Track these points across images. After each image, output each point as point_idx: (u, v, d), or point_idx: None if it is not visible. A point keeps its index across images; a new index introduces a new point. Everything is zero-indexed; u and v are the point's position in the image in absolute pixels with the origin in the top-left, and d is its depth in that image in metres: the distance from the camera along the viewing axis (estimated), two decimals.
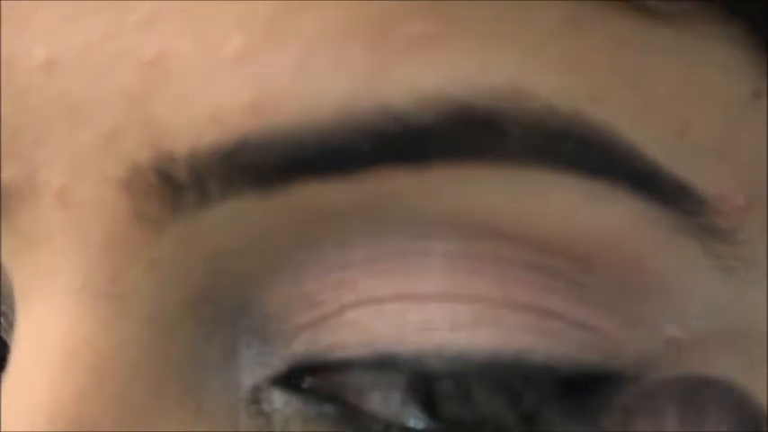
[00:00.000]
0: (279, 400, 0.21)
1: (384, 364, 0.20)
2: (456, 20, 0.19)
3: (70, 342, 0.20)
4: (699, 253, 0.21)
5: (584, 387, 0.21)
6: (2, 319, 0.22)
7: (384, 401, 0.21)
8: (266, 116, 0.19)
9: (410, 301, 0.20)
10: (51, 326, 0.20)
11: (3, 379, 0.21)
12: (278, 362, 0.21)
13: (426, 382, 0.20)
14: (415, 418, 0.21)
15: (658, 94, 0.20)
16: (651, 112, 0.20)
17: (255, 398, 0.21)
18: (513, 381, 0.20)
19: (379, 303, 0.20)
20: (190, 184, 0.19)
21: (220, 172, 0.19)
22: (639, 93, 0.20)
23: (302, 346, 0.21)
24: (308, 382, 0.21)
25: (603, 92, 0.20)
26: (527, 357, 0.20)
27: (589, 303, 0.21)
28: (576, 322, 0.21)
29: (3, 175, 0.20)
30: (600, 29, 0.20)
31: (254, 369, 0.21)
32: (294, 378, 0.21)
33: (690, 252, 0.21)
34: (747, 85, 0.21)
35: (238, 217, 0.20)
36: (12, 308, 0.22)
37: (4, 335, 0.22)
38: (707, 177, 0.21)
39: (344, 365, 0.20)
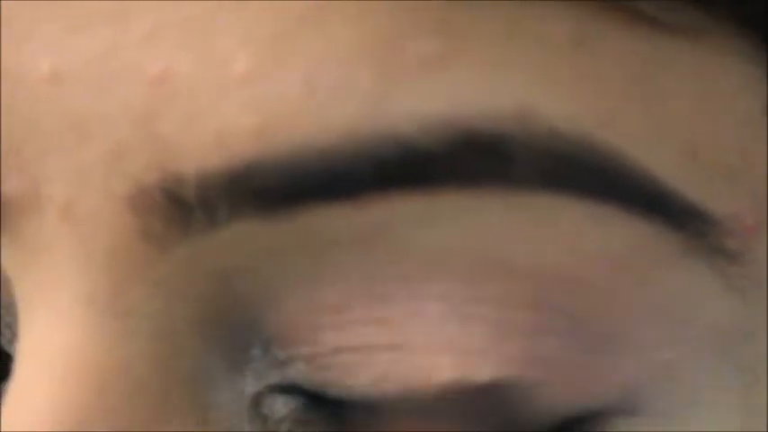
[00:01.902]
0: (278, 401, 0.21)
1: (374, 401, 0.20)
2: (464, 38, 0.19)
3: (74, 358, 0.20)
4: (706, 273, 0.21)
5: (572, 426, 0.21)
6: (6, 330, 0.22)
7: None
8: (272, 140, 0.19)
9: (399, 353, 0.20)
10: (55, 340, 0.20)
11: (6, 391, 0.21)
12: (278, 377, 0.21)
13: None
14: None
15: (670, 115, 0.20)
16: (663, 134, 0.20)
17: (257, 402, 0.21)
18: (501, 422, 0.20)
19: (370, 353, 0.20)
20: (198, 205, 0.19)
21: (228, 195, 0.19)
22: (651, 114, 0.20)
23: (299, 374, 0.21)
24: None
25: (613, 115, 0.20)
26: (517, 397, 0.20)
27: (586, 339, 0.20)
28: (570, 362, 0.20)
29: (5, 188, 0.20)
30: (610, 47, 0.20)
31: (256, 381, 0.21)
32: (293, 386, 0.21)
33: (697, 273, 0.21)
34: (757, 101, 0.21)
35: (244, 240, 0.20)
36: (16, 318, 0.22)
37: (7, 346, 0.23)
38: (718, 197, 0.21)
39: (338, 402, 0.20)
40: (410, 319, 0.20)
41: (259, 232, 0.20)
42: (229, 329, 0.21)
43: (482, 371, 0.20)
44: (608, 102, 0.20)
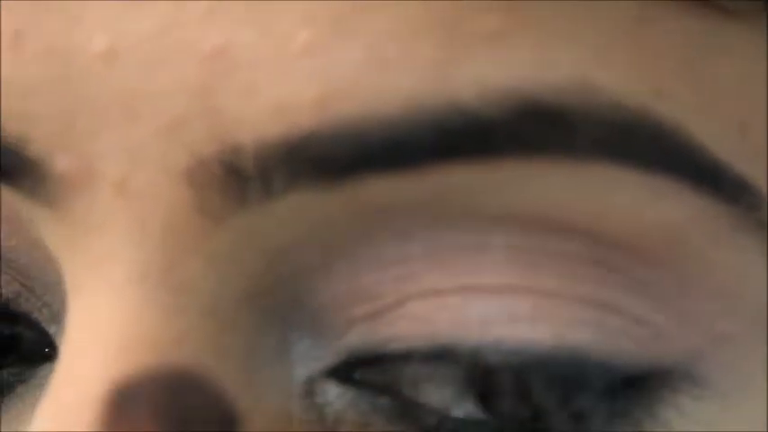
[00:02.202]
0: (332, 392, 0.21)
1: (442, 357, 0.20)
2: (525, 16, 0.19)
3: (127, 331, 0.20)
4: (756, 249, 0.21)
5: (633, 384, 0.21)
6: (45, 310, 0.22)
7: (440, 393, 0.21)
8: (333, 111, 0.19)
9: (471, 294, 0.20)
10: (108, 314, 0.20)
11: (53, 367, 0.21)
12: (331, 355, 0.21)
13: (483, 375, 0.20)
14: (468, 412, 0.20)
15: (722, 92, 0.20)
16: (715, 111, 0.20)
17: (309, 390, 0.21)
18: (569, 378, 0.20)
19: (440, 296, 0.20)
20: (255, 176, 0.19)
21: (286, 165, 0.19)
22: (704, 90, 0.20)
23: (358, 337, 0.21)
24: (361, 374, 0.21)
25: (670, 88, 0.20)
26: (585, 354, 0.20)
27: (647, 298, 0.21)
28: (634, 318, 0.21)
29: (58, 165, 0.20)
30: (667, 27, 0.20)
31: (307, 362, 0.21)
32: (348, 370, 0.21)
33: (749, 248, 0.21)
34: None
35: (300, 211, 0.20)
36: (56, 298, 0.22)
37: (45, 325, 0.22)
38: (762, 176, 0.21)
39: (401, 357, 0.20)
40: (477, 264, 0.20)
41: (316, 204, 0.20)
42: (279, 303, 0.21)
43: (548, 331, 0.20)
44: (664, 77, 0.20)
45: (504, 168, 0.20)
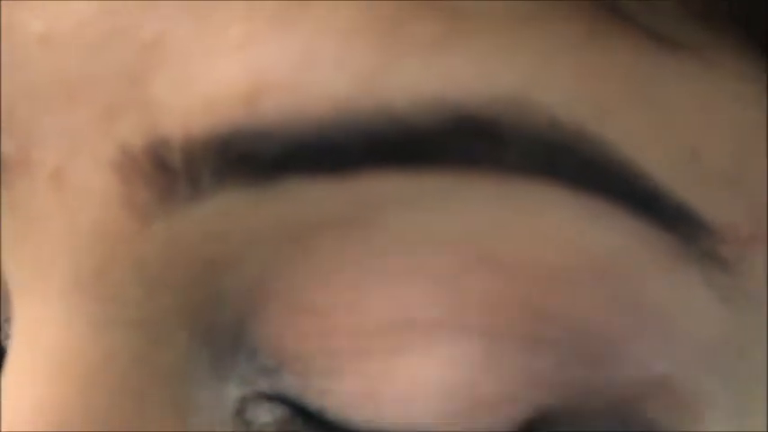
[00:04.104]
0: (263, 410, 0.20)
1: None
2: (466, 26, 0.19)
3: (58, 352, 0.20)
4: (699, 282, 0.20)
5: None
6: (5, 325, 0.22)
7: None
8: (262, 106, 0.19)
9: (396, 383, 0.20)
10: (42, 332, 0.20)
11: None
12: (266, 384, 0.20)
13: None
14: None
15: (670, 117, 0.20)
16: (661, 135, 0.20)
17: (241, 409, 0.20)
18: None
19: (366, 380, 0.20)
20: (182, 170, 0.19)
21: (214, 160, 0.19)
22: (650, 115, 0.20)
23: (290, 388, 0.20)
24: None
25: (612, 110, 0.19)
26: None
27: (582, 352, 0.20)
28: (567, 383, 0.20)
29: (3, 149, 0.20)
30: (614, 49, 0.19)
31: (242, 385, 0.20)
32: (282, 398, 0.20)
33: (689, 281, 0.20)
34: (757, 115, 0.21)
35: (228, 215, 0.19)
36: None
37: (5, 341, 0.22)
38: (713, 204, 0.20)
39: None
40: (398, 333, 0.20)
41: (243, 207, 0.19)
42: (215, 328, 0.20)
43: (466, 417, 0.20)
44: (607, 97, 0.19)
45: (432, 181, 0.19)
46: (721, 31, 0.20)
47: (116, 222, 0.19)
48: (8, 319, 0.22)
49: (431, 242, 0.20)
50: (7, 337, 0.22)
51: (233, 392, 0.20)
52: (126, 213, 0.19)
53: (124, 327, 0.20)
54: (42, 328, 0.20)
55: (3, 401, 0.20)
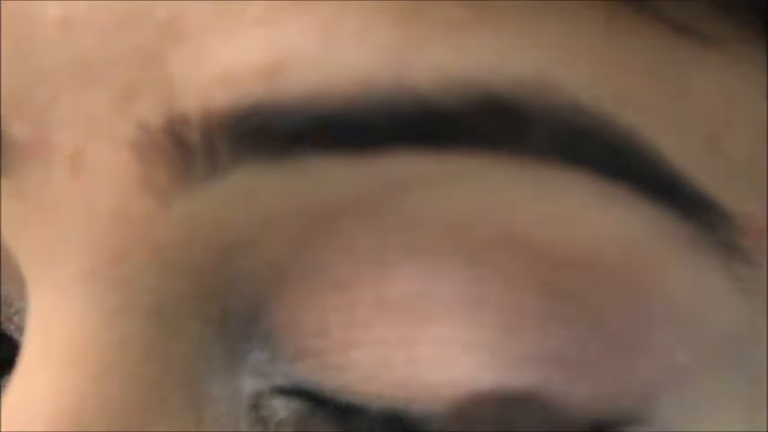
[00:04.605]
0: (278, 404, 0.20)
1: (392, 419, 0.20)
2: (491, 7, 0.19)
3: (74, 339, 0.20)
4: (718, 273, 0.20)
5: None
6: (16, 318, 0.22)
7: None
8: (282, 81, 0.18)
9: (416, 350, 0.20)
10: (57, 320, 0.20)
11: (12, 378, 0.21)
12: (281, 376, 0.20)
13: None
14: None
15: (692, 106, 0.20)
16: (683, 123, 0.20)
17: (255, 404, 0.20)
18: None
19: (386, 348, 0.20)
20: (201, 147, 0.19)
21: (232, 136, 0.19)
22: (672, 102, 0.20)
23: (307, 372, 0.20)
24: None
25: (634, 96, 0.19)
26: (538, 410, 0.20)
27: (601, 336, 0.20)
28: (586, 363, 0.20)
29: (16, 133, 0.20)
30: (639, 36, 0.19)
31: (257, 377, 0.20)
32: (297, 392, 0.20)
33: (709, 270, 0.20)
34: None
35: (247, 193, 0.19)
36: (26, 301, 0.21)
37: (17, 335, 0.22)
38: (733, 195, 0.20)
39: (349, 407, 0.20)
40: (423, 316, 0.20)
41: (262, 184, 0.19)
42: (228, 314, 0.20)
43: (491, 376, 0.19)
44: (631, 83, 0.19)
45: (454, 161, 0.19)
46: (743, 23, 0.20)
47: (134, 205, 0.19)
48: (18, 311, 0.22)
49: (451, 221, 0.19)
50: (16, 326, 0.22)
51: (247, 386, 0.20)
52: (144, 195, 0.19)
53: (138, 314, 0.20)
54: (57, 315, 0.20)
55: (19, 389, 0.20)
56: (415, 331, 0.20)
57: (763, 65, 0.20)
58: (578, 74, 0.19)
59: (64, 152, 0.20)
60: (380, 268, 0.20)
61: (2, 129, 0.20)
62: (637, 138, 0.19)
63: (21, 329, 0.22)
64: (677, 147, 0.20)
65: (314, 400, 0.20)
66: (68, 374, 0.20)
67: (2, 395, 0.21)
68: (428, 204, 0.19)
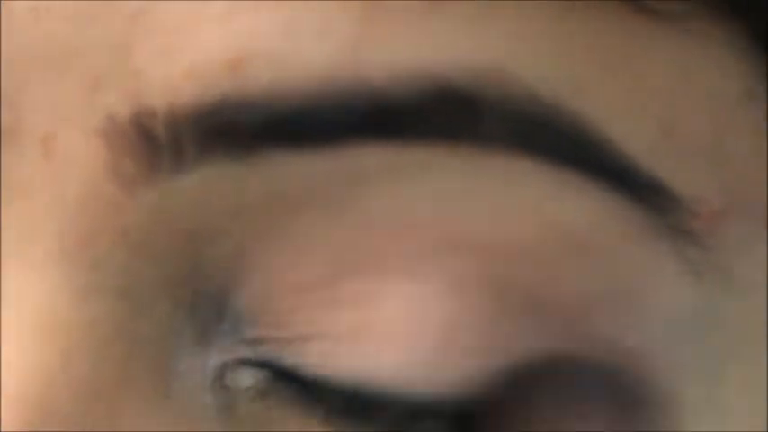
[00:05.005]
0: (245, 376, 0.21)
1: (352, 400, 0.20)
2: (448, 0, 0.19)
3: (44, 317, 0.20)
4: (670, 256, 0.21)
5: None
6: None
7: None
8: (245, 77, 0.19)
9: (373, 336, 0.20)
10: (29, 297, 0.20)
11: None
12: (248, 353, 0.21)
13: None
14: None
15: (647, 92, 0.20)
16: (638, 110, 0.20)
17: (221, 375, 0.21)
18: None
19: (345, 338, 0.20)
20: (167, 141, 0.19)
21: (197, 130, 0.19)
22: (628, 89, 0.20)
23: (270, 354, 0.21)
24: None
25: (590, 85, 0.20)
26: (493, 383, 0.20)
27: (550, 319, 0.20)
28: (539, 340, 0.20)
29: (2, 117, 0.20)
30: (594, 23, 0.20)
31: (223, 353, 0.21)
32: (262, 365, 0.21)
33: (661, 254, 0.21)
34: (739, 86, 0.21)
35: (212, 187, 0.20)
36: None
37: None
38: (686, 178, 0.21)
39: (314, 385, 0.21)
40: (377, 304, 0.20)
41: (226, 178, 0.20)
42: (199, 298, 0.21)
43: (442, 369, 0.20)
44: (585, 72, 0.20)
45: (412, 153, 0.19)
46: (703, 3, 0.20)
47: (102, 191, 0.20)
48: None
49: (410, 213, 0.20)
50: None
51: (214, 360, 0.21)
52: (112, 183, 0.20)
53: (107, 295, 0.20)
54: (28, 292, 0.20)
55: None
56: (369, 318, 0.20)
57: (723, 40, 0.21)
58: (534, 63, 0.19)
59: (36, 136, 0.20)
60: (336, 265, 0.20)
61: None
62: (591, 127, 0.20)
63: None
64: (631, 133, 0.20)
65: (277, 371, 0.21)
66: (38, 351, 0.20)
67: None
68: (387, 198, 0.20)
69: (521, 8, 0.19)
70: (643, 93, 0.20)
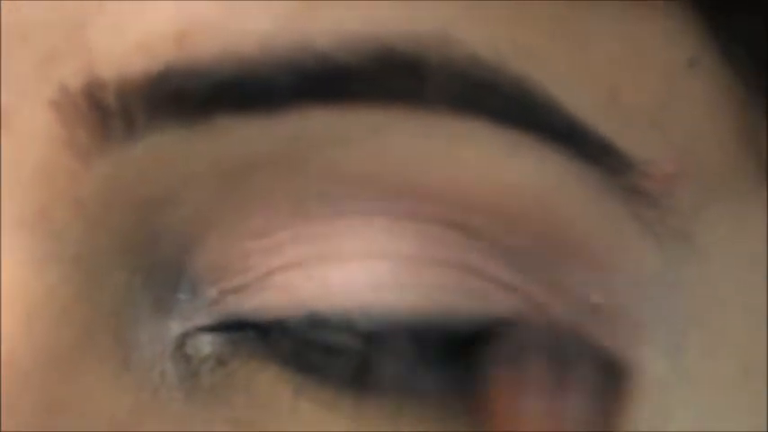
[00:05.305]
0: (203, 341, 0.21)
1: (314, 326, 0.21)
2: None
3: (4, 284, 0.21)
4: (626, 217, 0.21)
5: None
6: None
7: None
8: (190, 47, 0.20)
9: (333, 263, 0.21)
10: None
11: None
12: (207, 317, 0.21)
13: (353, 342, 0.21)
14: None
15: (593, 56, 0.21)
16: (582, 73, 0.20)
17: (181, 344, 0.21)
18: (438, 341, 0.21)
19: (305, 266, 0.21)
20: (117, 111, 0.20)
21: (146, 100, 0.20)
22: (572, 53, 0.20)
23: (230, 307, 0.21)
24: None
25: (534, 49, 0.20)
26: (453, 316, 0.21)
27: (514, 266, 0.21)
28: (501, 283, 0.21)
29: None
30: None
31: (183, 320, 0.21)
32: (222, 330, 0.21)
33: (617, 214, 0.21)
34: (683, 54, 0.21)
35: (163, 154, 0.20)
36: None
37: None
38: (636, 141, 0.21)
39: (275, 327, 0.21)
40: (339, 234, 0.21)
41: (177, 145, 0.20)
42: (155, 265, 0.21)
43: (411, 296, 0.21)
44: (530, 36, 0.20)
45: (358, 116, 0.20)
46: None
47: (57, 162, 0.20)
48: None
49: (363, 172, 0.21)
50: None
51: (174, 329, 0.21)
52: (67, 154, 0.20)
53: (65, 263, 0.21)
54: None
55: None
56: (331, 248, 0.21)
57: (668, 10, 0.21)
58: (478, 28, 0.20)
59: None
60: (296, 215, 0.21)
61: None
62: (536, 89, 0.20)
63: None
64: (577, 96, 0.20)
65: (236, 330, 0.21)
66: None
67: None
68: (338, 158, 0.20)
69: None
70: (588, 57, 0.20)
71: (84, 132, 0.20)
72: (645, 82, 0.21)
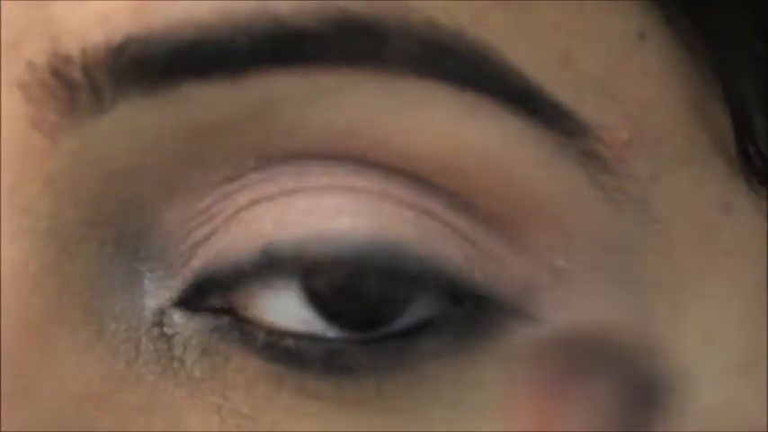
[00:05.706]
0: (180, 321, 0.22)
1: (271, 262, 0.21)
2: None
3: None
4: (582, 180, 0.22)
5: (463, 304, 0.22)
6: None
7: (277, 308, 0.22)
8: (150, 16, 0.20)
9: (295, 195, 0.21)
10: None
11: None
12: (179, 283, 0.22)
13: (308, 271, 0.21)
14: (310, 326, 0.21)
15: (543, 22, 0.21)
16: (535, 39, 0.21)
17: (158, 321, 0.22)
18: (394, 273, 0.21)
19: (268, 200, 0.21)
20: (84, 84, 0.20)
21: (110, 71, 0.20)
22: (524, 20, 0.21)
23: (200, 260, 0.22)
24: (207, 301, 0.22)
25: (488, 14, 0.21)
26: (407, 248, 0.21)
27: (475, 220, 0.21)
28: (459, 232, 0.21)
29: None
30: None
31: (157, 293, 0.22)
32: (195, 299, 0.22)
33: (573, 178, 0.21)
34: (633, 27, 0.22)
35: (130, 126, 0.21)
36: None
37: None
38: (590, 108, 0.21)
39: (236, 273, 0.21)
40: (303, 173, 0.21)
41: (144, 117, 0.21)
42: (124, 237, 0.22)
43: (368, 223, 0.21)
44: (483, 4, 0.21)
45: (318, 79, 0.21)
46: None
47: (27, 141, 0.21)
48: None
49: (323, 132, 0.21)
50: None
51: (150, 303, 0.22)
52: (35, 132, 0.21)
53: (37, 237, 0.21)
54: None
55: None
56: (294, 183, 0.21)
57: None
58: None
59: None
60: (260, 171, 0.21)
61: None
62: (492, 52, 0.21)
63: None
64: (531, 61, 0.21)
65: (210, 313, 0.22)
66: None
67: None
68: (301, 118, 0.21)
69: None
70: (540, 25, 0.21)
71: (52, 109, 0.21)
72: (596, 51, 0.22)
